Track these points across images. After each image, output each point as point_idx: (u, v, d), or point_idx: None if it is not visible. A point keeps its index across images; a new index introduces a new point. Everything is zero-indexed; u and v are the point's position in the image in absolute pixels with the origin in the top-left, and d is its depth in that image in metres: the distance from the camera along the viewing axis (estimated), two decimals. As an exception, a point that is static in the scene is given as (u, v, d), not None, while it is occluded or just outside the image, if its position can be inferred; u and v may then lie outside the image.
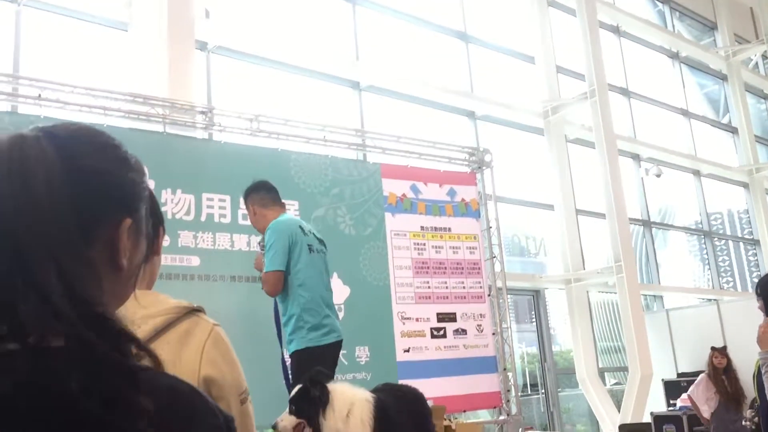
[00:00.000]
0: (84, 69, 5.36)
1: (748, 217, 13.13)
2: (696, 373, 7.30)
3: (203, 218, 4.44)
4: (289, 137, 5.13)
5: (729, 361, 6.09)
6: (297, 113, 5.58)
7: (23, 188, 0.67)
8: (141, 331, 1.23)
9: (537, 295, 8.68)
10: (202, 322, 1.31)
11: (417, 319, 5.32)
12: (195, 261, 4.24)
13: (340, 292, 4.93)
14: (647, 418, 7.08)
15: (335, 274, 4.92)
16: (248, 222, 4.59)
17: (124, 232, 0.76)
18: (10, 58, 5.03)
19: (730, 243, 12.91)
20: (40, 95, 4.14)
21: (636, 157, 10.74)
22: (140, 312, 1.27)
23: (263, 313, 4.46)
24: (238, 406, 1.31)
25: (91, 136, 0.82)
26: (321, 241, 3.57)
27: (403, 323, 5.25)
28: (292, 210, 4.85)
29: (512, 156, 8.76)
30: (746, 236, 13.02)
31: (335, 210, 5.08)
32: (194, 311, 1.31)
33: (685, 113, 12.31)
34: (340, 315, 4.92)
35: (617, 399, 8.24)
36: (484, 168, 6.16)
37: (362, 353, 4.93)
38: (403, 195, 5.47)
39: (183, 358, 1.25)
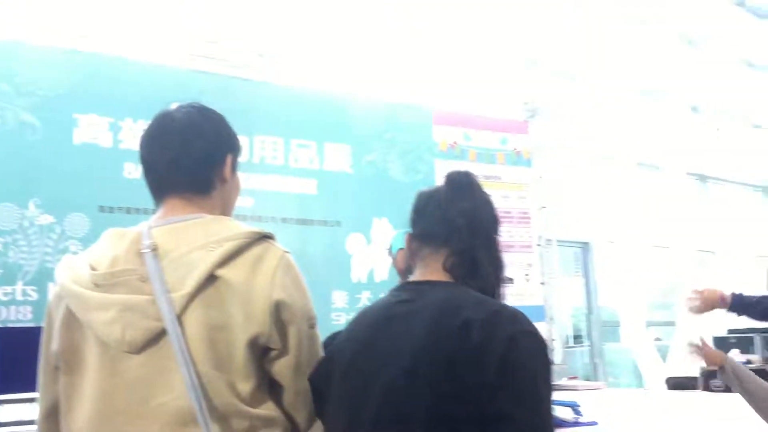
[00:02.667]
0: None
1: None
2: (747, 330, 7.19)
3: (256, 160, 4.48)
4: (344, 81, 5.10)
5: None
6: (351, 55, 5.52)
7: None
8: (215, 253, 1.27)
9: (586, 247, 8.60)
10: (272, 248, 1.33)
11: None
12: (248, 202, 4.30)
13: (389, 237, 4.95)
14: (696, 373, 7.03)
15: (384, 219, 4.94)
16: (300, 165, 4.65)
17: None
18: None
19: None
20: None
21: (695, 110, 10.38)
22: (214, 236, 1.30)
23: (312, 254, 4.54)
24: (307, 330, 1.35)
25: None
26: None
27: (450, 269, 5.26)
28: (345, 153, 4.86)
29: (571, 106, 8.55)
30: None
31: (386, 155, 5.06)
32: (265, 237, 1.33)
33: (750, 65, 11.81)
34: (390, 260, 4.96)
35: (662, 354, 8.18)
36: (537, 116, 6.05)
37: (409, 298, 4.98)
38: (455, 142, 5.41)
39: (255, 282, 1.28)
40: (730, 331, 7.50)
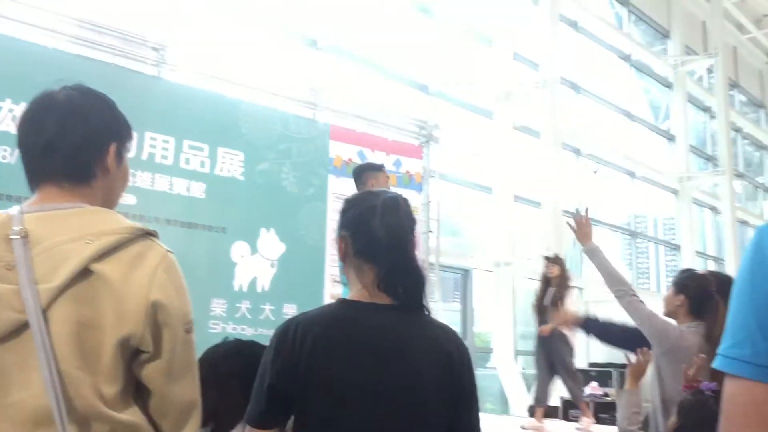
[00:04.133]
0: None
1: (673, 222, 13.68)
2: (606, 365, 7.62)
3: (144, 157, 4.33)
4: (240, 86, 5.04)
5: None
6: (252, 64, 5.48)
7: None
8: (92, 246, 1.21)
9: (466, 275, 8.86)
10: (155, 246, 1.28)
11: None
12: (131, 200, 4.14)
13: (274, 248, 4.91)
14: (557, 403, 7.37)
15: (272, 230, 4.90)
16: (191, 167, 4.54)
17: None
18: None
19: (651, 245, 13.45)
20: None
21: (577, 152, 11.00)
22: (93, 228, 1.24)
23: (194, 258, 4.43)
24: (183, 334, 1.29)
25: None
26: None
27: (334, 286, 5.28)
28: (236, 161, 4.79)
29: (459, 135, 8.84)
30: (669, 241, 13.57)
31: (280, 166, 5.03)
32: (148, 234, 1.28)
33: (629, 115, 12.66)
34: (273, 271, 4.92)
35: (527, 383, 8.53)
36: (431, 142, 6.20)
37: (290, 311, 4.94)
38: (350, 159, 5.45)
39: (133, 280, 1.23)
40: (591, 365, 7.94)
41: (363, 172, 4.53)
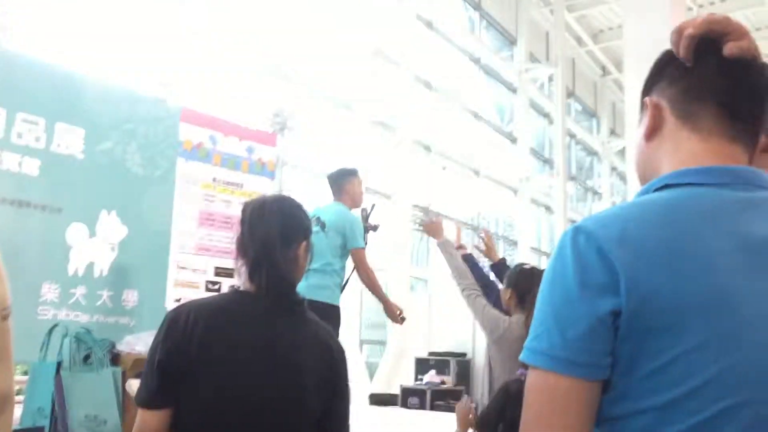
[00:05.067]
0: None
1: (512, 219, 14.52)
2: (445, 354, 7.97)
3: (-30, 128, 3.99)
4: (86, 60, 4.75)
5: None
6: (99, 39, 5.18)
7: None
8: None
9: (315, 264, 8.91)
10: None
11: (194, 270, 5.23)
12: (-47, 173, 3.80)
13: (115, 231, 4.70)
14: (397, 391, 7.62)
15: (114, 213, 4.68)
16: (23, 141, 4.23)
17: None
18: None
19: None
20: None
21: (428, 149, 11.39)
22: None
23: (25, 240, 4.14)
24: None
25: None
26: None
27: (178, 272, 5.13)
28: (77, 137, 4.52)
29: (314, 126, 8.87)
30: (508, 237, 14.40)
31: (124, 145, 4.80)
32: None
33: (476, 116, 13.27)
34: (113, 256, 4.69)
35: (371, 371, 8.76)
36: (286, 130, 6.17)
37: (130, 297, 4.75)
38: (200, 143, 5.31)
39: None
40: (431, 354, 8.29)
41: (340, 177, 4.96)
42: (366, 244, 5.14)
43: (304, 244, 1.82)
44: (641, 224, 0.93)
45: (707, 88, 1.03)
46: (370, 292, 5.07)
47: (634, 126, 1.17)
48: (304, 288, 5.14)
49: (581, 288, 0.91)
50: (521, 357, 0.96)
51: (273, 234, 1.74)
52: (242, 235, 1.77)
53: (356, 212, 5.21)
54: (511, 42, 14.62)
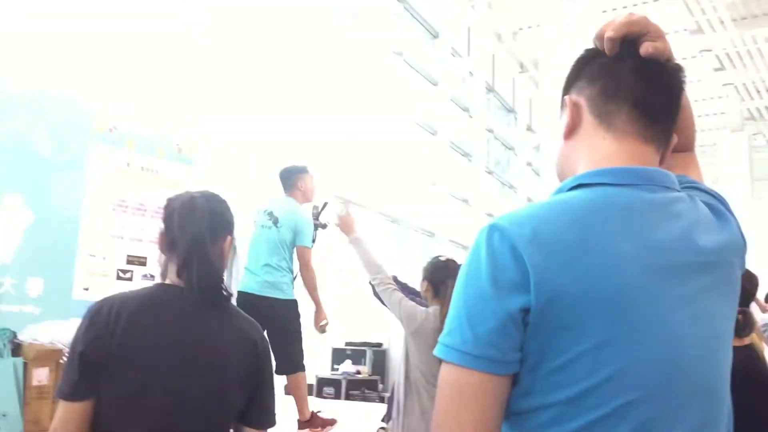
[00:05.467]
0: None
1: (431, 212, 14.71)
2: (361, 344, 8.02)
3: None
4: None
5: None
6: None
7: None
8: None
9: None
10: None
11: (104, 258, 5.05)
12: None
13: (20, 216, 4.49)
14: (312, 381, 7.61)
15: (18, 196, 4.47)
16: None
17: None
18: None
19: (411, 232, 14.37)
20: None
21: (352, 138, 11.37)
22: None
23: None
24: None
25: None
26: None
27: (88, 260, 4.95)
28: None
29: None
30: (426, 228, 14.59)
31: (31, 126, 4.59)
32: None
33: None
34: (17, 242, 4.48)
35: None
36: (205, 116, 6.04)
37: (35, 285, 4.55)
38: (114, 126, 5.13)
39: None
40: (347, 344, 8.32)
41: (292, 173, 4.99)
42: (314, 241, 5.10)
43: (228, 238, 1.85)
44: (553, 224, 0.96)
45: (623, 88, 1.07)
46: (306, 292, 5.06)
47: (550, 122, 1.20)
48: (259, 284, 5.10)
49: (493, 285, 0.93)
50: (435, 352, 0.98)
51: (203, 230, 1.76)
52: (169, 231, 1.78)
53: (306, 207, 5.18)
54: (434, 36, 14.78)
